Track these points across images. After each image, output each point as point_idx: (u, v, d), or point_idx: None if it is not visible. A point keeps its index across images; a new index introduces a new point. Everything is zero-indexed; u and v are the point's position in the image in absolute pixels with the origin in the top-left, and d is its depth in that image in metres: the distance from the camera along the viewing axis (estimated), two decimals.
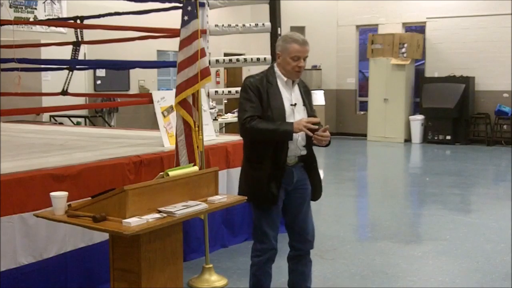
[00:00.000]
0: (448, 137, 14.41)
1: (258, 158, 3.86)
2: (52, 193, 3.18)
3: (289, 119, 3.83)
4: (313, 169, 4.09)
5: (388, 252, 5.76)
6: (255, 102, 3.82)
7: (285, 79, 3.91)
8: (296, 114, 3.88)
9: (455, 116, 14.19)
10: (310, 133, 3.69)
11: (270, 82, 3.90)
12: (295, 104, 3.89)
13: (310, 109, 4.01)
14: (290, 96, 3.91)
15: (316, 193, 4.14)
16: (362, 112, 16.45)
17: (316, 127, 3.71)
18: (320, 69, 16.24)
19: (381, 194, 9.22)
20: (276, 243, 4.05)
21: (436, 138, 14.57)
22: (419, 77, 15.33)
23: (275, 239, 4.05)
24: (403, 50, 14.67)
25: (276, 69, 3.94)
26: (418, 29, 15.68)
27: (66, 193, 3.20)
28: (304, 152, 3.94)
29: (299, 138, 3.84)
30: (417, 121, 14.75)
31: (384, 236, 6.37)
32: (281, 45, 3.92)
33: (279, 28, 6.42)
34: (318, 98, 15.50)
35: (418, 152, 13.88)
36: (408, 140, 14.88)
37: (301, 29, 16.51)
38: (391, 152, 13.99)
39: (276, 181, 3.82)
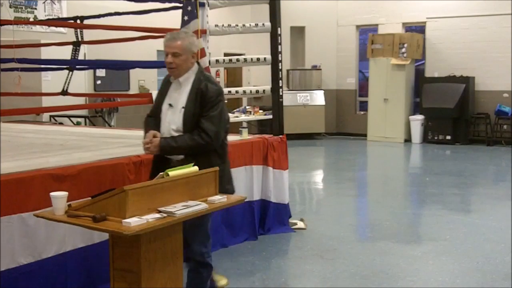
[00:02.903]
0: (448, 137, 14.41)
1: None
2: (52, 193, 3.17)
3: (162, 119, 3.91)
4: None
5: (388, 252, 5.76)
6: (155, 100, 4.03)
7: (172, 77, 3.93)
8: (168, 116, 3.89)
9: (455, 116, 14.19)
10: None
11: (169, 80, 3.98)
12: (170, 105, 3.89)
13: (192, 114, 3.84)
14: (171, 96, 3.92)
15: None
16: (362, 112, 16.45)
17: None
18: (320, 69, 16.23)
19: (381, 194, 9.22)
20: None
21: (436, 138, 14.57)
22: (419, 77, 15.32)
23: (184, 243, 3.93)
24: (403, 50, 14.67)
25: None
26: (418, 29, 15.68)
27: (66, 193, 3.20)
28: (181, 156, 3.89)
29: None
30: (417, 121, 14.75)
31: (384, 236, 6.37)
32: None
33: (279, 28, 6.42)
34: None
35: (418, 152, 13.88)
36: (408, 140, 14.88)
37: (301, 29, 16.54)
38: (391, 152, 13.99)
39: (154, 171, 3.90)
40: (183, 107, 3.83)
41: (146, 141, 3.79)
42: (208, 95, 3.82)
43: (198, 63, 3.97)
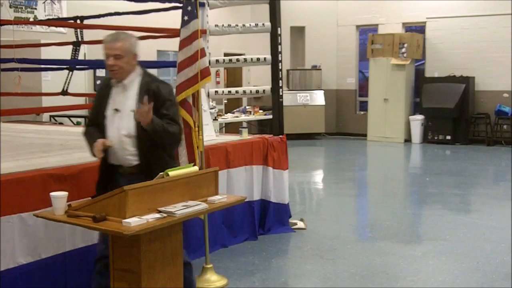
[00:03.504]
0: (448, 137, 14.40)
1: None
2: (52, 193, 3.18)
3: (109, 126, 3.69)
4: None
5: (388, 252, 5.75)
6: (94, 106, 3.84)
7: (114, 80, 3.75)
8: (116, 121, 3.68)
9: (455, 116, 14.18)
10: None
11: (110, 84, 3.78)
12: (117, 110, 3.69)
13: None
14: (115, 100, 3.71)
15: None
16: (362, 112, 16.45)
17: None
18: (320, 69, 16.23)
19: (381, 194, 9.22)
20: (102, 247, 3.77)
21: (436, 138, 14.57)
22: (419, 77, 15.32)
23: (103, 242, 3.78)
24: (403, 50, 14.66)
25: None
26: (418, 29, 15.67)
27: (66, 193, 3.20)
28: (135, 161, 3.71)
29: (120, 146, 3.66)
30: (417, 121, 14.75)
31: (384, 236, 6.37)
32: None
33: (279, 28, 6.42)
34: None
35: (418, 152, 13.88)
36: (408, 140, 14.87)
37: (301, 29, 16.54)
38: (391, 152, 13.99)
39: (101, 185, 3.73)
40: (132, 110, 3.62)
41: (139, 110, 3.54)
42: (163, 95, 3.71)
43: (140, 64, 3.83)
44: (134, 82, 3.72)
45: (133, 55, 3.71)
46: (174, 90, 4.86)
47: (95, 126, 3.76)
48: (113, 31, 3.86)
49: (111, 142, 3.61)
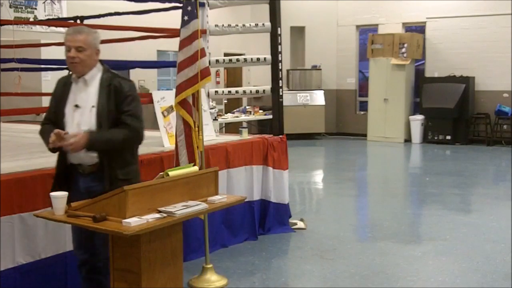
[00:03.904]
0: (448, 137, 14.40)
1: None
2: (52, 193, 3.18)
3: (68, 122, 3.56)
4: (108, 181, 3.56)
5: (388, 252, 5.75)
6: (51, 104, 3.69)
7: (74, 76, 3.64)
8: (76, 117, 3.56)
9: (455, 116, 14.18)
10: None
11: (69, 80, 3.69)
12: (77, 106, 3.57)
13: (107, 111, 3.55)
14: (75, 96, 3.60)
15: None
16: (362, 112, 16.45)
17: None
18: (320, 69, 16.23)
19: (381, 194, 9.22)
20: (79, 252, 3.75)
21: (436, 138, 14.57)
22: (419, 77, 15.32)
23: (78, 248, 3.75)
24: (403, 50, 14.66)
25: None
26: (418, 29, 15.67)
27: (66, 193, 3.20)
28: (95, 159, 3.56)
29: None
30: (417, 121, 14.74)
31: (384, 236, 6.37)
32: None
33: (279, 28, 6.42)
34: None
35: (418, 152, 13.87)
36: (408, 140, 14.87)
37: (301, 29, 16.54)
38: (391, 152, 13.98)
39: (57, 186, 3.55)
40: (93, 106, 3.55)
41: (68, 142, 3.38)
42: (124, 90, 3.59)
43: (101, 61, 3.70)
44: (95, 77, 3.62)
45: (96, 50, 3.62)
46: (174, 90, 4.87)
47: (51, 125, 3.61)
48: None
49: (66, 132, 3.44)
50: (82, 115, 3.55)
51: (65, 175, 3.63)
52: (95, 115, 3.52)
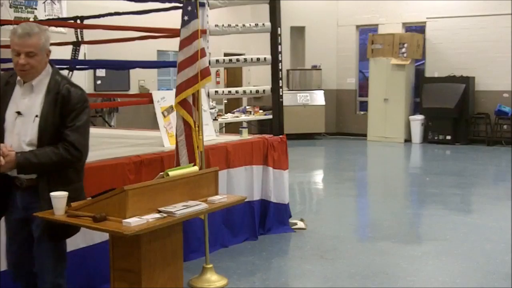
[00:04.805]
0: (448, 137, 14.40)
1: None
2: (52, 193, 3.17)
3: (8, 130, 3.19)
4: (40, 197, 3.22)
5: (388, 252, 5.75)
6: None
7: (19, 78, 3.24)
8: (17, 126, 3.17)
9: (455, 116, 14.18)
10: None
11: (10, 81, 3.28)
12: (19, 113, 3.18)
13: (51, 123, 3.17)
14: (18, 102, 3.21)
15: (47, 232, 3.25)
16: (362, 112, 16.45)
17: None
18: (320, 69, 16.23)
19: (381, 194, 9.22)
20: (16, 277, 3.40)
21: (436, 138, 14.57)
22: (419, 77, 15.33)
23: (14, 273, 3.40)
24: (403, 50, 14.67)
25: None
26: (418, 29, 15.67)
27: (66, 193, 3.20)
28: (31, 175, 3.21)
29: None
30: (417, 121, 14.75)
31: (384, 236, 6.36)
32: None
33: (279, 28, 6.42)
34: None
35: (418, 152, 13.87)
36: (408, 140, 14.87)
37: (301, 29, 16.54)
38: (391, 152, 13.99)
39: None
40: (36, 116, 3.17)
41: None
42: (72, 101, 3.20)
43: (50, 62, 3.31)
44: (43, 82, 3.23)
45: (47, 52, 3.24)
46: (174, 90, 4.87)
47: None
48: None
49: (11, 147, 3.10)
50: (24, 124, 3.17)
51: (3, 184, 3.25)
52: (37, 126, 3.16)
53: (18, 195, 3.26)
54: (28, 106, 3.19)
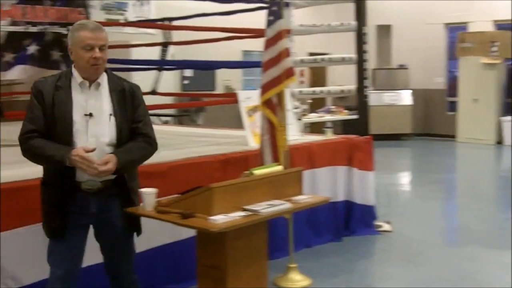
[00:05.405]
0: None
1: (47, 176, 3.15)
2: (142, 189, 3.26)
3: (79, 133, 3.03)
4: (124, 198, 3.21)
5: (477, 257, 5.57)
6: (37, 113, 3.03)
7: (80, 80, 3.08)
8: (91, 127, 3.05)
9: None
10: (86, 169, 2.95)
11: (60, 85, 3.07)
12: (90, 114, 3.06)
13: (126, 120, 3.14)
14: (85, 103, 3.07)
15: (129, 227, 3.29)
16: (450, 113, 16.00)
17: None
18: (407, 69, 15.94)
19: (470, 197, 8.93)
20: (62, 284, 3.17)
21: None
22: (511, 76, 14.75)
23: (63, 279, 3.16)
24: (494, 48, 14.16)
25: (74, 70, 3.11)
26: (510, 27, 15.06)
27: (156, 189, 3.28)
28: (112, 175, 3.10)
29: (100, 156, 3.01)
30: (509, 122, 14.20)
31: (472, 240, 6.17)
32: (70, 36, 3.08)
33: (364, 27, 6.35)
34: None
35: (510, 154, 13.34)
36: (499, 142, 14.34)
37: (387, 28, 16.29)
38: (481, 154, 13.52)
39: (60, 208, 3.08)
40: (111, 114, 3.10)
41: (104, 168, 2.96)
42: (138, 96, 3.23)
43: None
44: (103, 79, 3.15)
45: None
46: (259, 90, 4.91)
47: (44, 138, 3.03)
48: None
49: (92, 147, 3.00)
50: (99, 125, 3.07)
51: (61, 195, 3.08)
52: (114, 125, 3.10)
53: (91, 200, 3.10)
54: (97, 106, 3.08)
